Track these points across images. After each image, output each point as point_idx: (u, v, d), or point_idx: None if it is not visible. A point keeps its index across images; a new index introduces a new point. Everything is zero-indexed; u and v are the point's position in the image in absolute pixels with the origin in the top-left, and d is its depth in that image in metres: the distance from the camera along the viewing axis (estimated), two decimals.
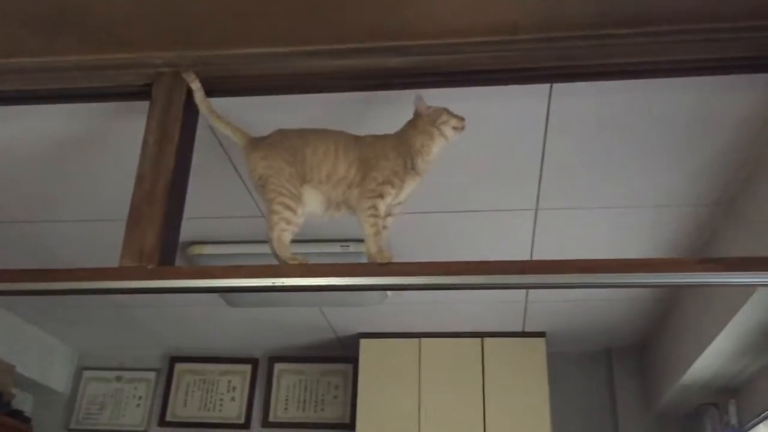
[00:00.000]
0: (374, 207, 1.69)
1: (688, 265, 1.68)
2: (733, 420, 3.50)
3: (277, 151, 1.77)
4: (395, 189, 1.73)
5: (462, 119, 1.79)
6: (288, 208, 1.70)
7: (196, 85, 1.85)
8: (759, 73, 1.88)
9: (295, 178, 1.74)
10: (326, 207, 1.79)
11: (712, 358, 3.11)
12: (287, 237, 1.70)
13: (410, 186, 1.77)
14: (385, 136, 1.82)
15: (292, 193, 1.72)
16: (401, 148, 1.76)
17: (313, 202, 1.77)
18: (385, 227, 1.73)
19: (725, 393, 3.59)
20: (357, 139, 1.81)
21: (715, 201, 2.58)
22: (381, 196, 1.70)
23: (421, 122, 1.78)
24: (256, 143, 1.82)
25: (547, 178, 2.47)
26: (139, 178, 1.79)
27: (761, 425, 3.14)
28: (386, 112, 2.15)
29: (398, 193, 1.75)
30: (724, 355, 3.07)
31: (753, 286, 2.38)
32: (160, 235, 1.71)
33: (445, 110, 1.79)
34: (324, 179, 1.75)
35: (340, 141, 1.79)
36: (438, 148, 1.79)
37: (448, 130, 1.78)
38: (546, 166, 2.40)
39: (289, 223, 1.70)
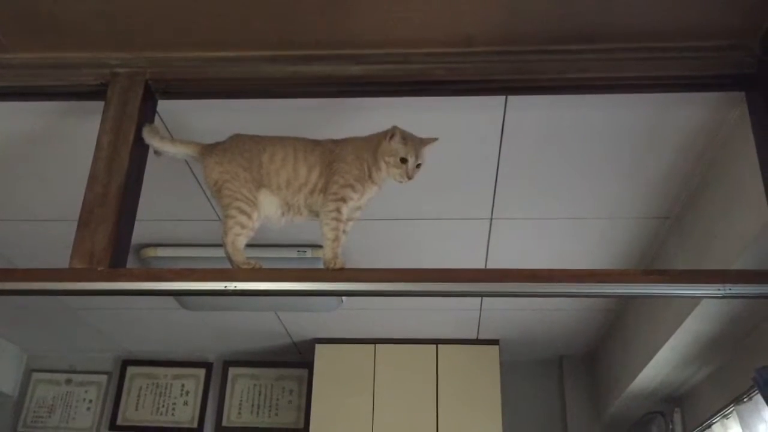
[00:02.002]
0: (337, 210, 1.70)
1: (634, 276, 1.73)
2: (678, 428, 3.58)
3: (232, 156, 1.77)
4: (357, 193, 1.74)
5: (406, 177, 1.72)
6: (243, 212, 1.71)
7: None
8: (702, 91, 1.95)
9: (251, 183, 1.74)
10: (284, 211, 1.79)
11: (658, 367, 3.19)
12: (241, 241, 1.71)
13: (369, 194, 1.79)
14: (346, 140, 1.82)
15: (248, 197, 1.72)
16: (363, 155, 1.76)
17: (270, 207, 1.77)
18: (344, 231, 1.75)
19: (671, 402, 3.68)
20: (317, 144, 1.81)
21: (663, 214, 2.65)
22: (344, 199, 1.72)
23: (382, 144, 1.74)
24: (210, 149, 1.81)
25: (502, 189, 2.51)
26: (92, 179, 1.77)
27: None
28: (342, 120, 2.16)
29: (360, 197, 1.76)
30: (670, 364, 3.15)
31: (696, 298, 2.45)
32: (111, 237, 1.70)
33: (403, 157, 1.71)
34: (284, 185, 1.75)
35: (299, 146, 1.79)
36: (384, 175, 1.76)
37: (390, 171, 1.74)
38: (501, 177, 2.44)
39: (243, 227, 1.71)
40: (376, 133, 1.80)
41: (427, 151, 1.77)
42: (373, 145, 1.77)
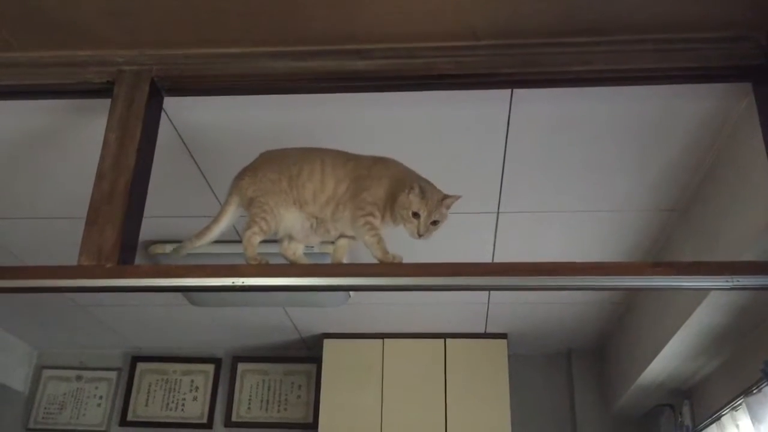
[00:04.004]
0: (369, 223, 1.68)
1: (642, 269, 1.71)
2: (687, 421, 3.57)
3: (263, 174, 1.77)
4: (379, 214, 1.69)
5: (417, 234, 1.65)
6: (265, 220, 1.73)
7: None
8: (709, 83, 1.94)
9: (278, 195, 1.74)
10: (312, 225, 1.77)
11: (667, 360, 3.18)
12: (257, 239, 1.72)
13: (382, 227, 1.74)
14: (388, 163, 1.77)
15: (273, 210, 1.73)
16: (395, 188, 1.70)
17: (294, 222, 1.76)
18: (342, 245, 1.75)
19: (679, 394, 3.67)
20: (351, 158, 1.78)
21: (670, 207, 2.64)
22: (372, 214, 1.68)
23: (401, 196, 1.67)
24: (241, 174, 1.81)
25: (509, 182, 2.51)
26: (99, 176, 1.78)
27: (713, 426, 3.21)
28: (347, 115, 2.17)
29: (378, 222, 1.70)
30: (679, 357, 3.14)
31: (704, 290, 2.45)
32: (119, 234, 1.70)
33: (415, 212, 1.64)
34: (310, 199, 1.74)
35: (327, 159, 1.76)
36: (395, 224, 1.71)
37: (404, 225, 1.68)
38: (507, 171, 2.44)
39: (262, 230, 1.73)
40: (410, 174, 1.74)
41: (449, 208, 1.68)
42: (400, 182, 1.70)
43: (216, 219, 1.81)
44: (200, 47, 1.90)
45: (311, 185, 1.73)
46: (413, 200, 1.63)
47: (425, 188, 1.65)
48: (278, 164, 1.77)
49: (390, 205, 1.70)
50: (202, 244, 1.80)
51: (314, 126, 2.18)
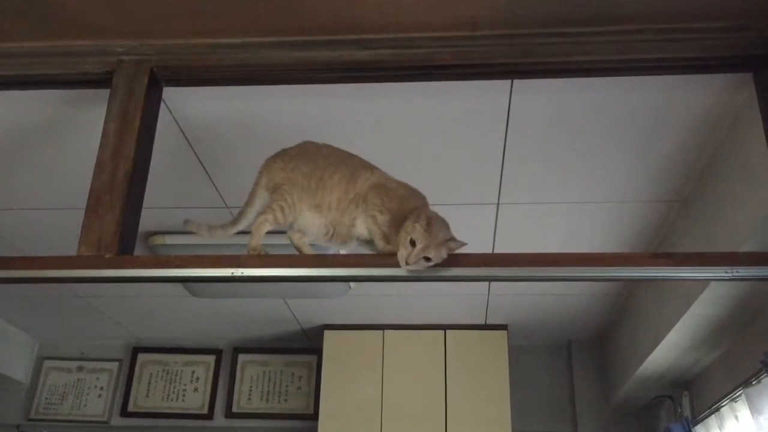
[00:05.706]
0: (374, 217, 1.66)
1: (642, 260, 1.71)
2: (687, 412, 3.58)
3: (296, 164, 1.75)
4: (388, 218, 1.65)
5: (404, 262, 1.55)
6: (282, 211, 1.72)
7: None
8: (709, 73, 1.93)
9: (304, 193, 1.72)
10: (323, 236, 1.75)
11: (667, 351, 3.18)
12: (266, 228, 1.71)
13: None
14: (418, 193, 1.74)
15: (294, 203, 1.72)
16: (410, 211, 1.64)
17: (311, 224, 1.74)
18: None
19: (679, 386, 3.68)
20: (381, 173, 1.76)
21: (671, 198, 2.64)
22: (381, 213, 1.66)
23: (408, 221, 1.58)
24: (275, 157, 1.80)
25: (509, 173, 2.50)
26: (99, 166, 1.78)
27: (713, 417, 3.22)
28: (347, 105, 2.16)
29: (382, 228, 1.67)
30: (678, 348, 3.15)
31: (704, 281, 2.45)
32: (119, 224, 1.70)
33: (413, 240, 1.54)
34: (335, 205, 1.72)
35: (359, 169, 1.74)
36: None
37: (398, 248, 1.59)
38: (507, 162, 2.43)
39: (276, 220, 1.72)
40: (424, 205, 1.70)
41: (450, 251, 1.59)
42: (412, 212, 1.63)
43: (248, 202, 1.80)
44: (200, 37, 1.90)
45: (338, 190, 1.71)
46: (417, 229, 1.55)
47: (433, 223, 1.57)
48: (314, 161, 1.75)
49: (396, 225, 1.63)
50: (239, 230, 1.80)
51: (314, 117, 2.18)
